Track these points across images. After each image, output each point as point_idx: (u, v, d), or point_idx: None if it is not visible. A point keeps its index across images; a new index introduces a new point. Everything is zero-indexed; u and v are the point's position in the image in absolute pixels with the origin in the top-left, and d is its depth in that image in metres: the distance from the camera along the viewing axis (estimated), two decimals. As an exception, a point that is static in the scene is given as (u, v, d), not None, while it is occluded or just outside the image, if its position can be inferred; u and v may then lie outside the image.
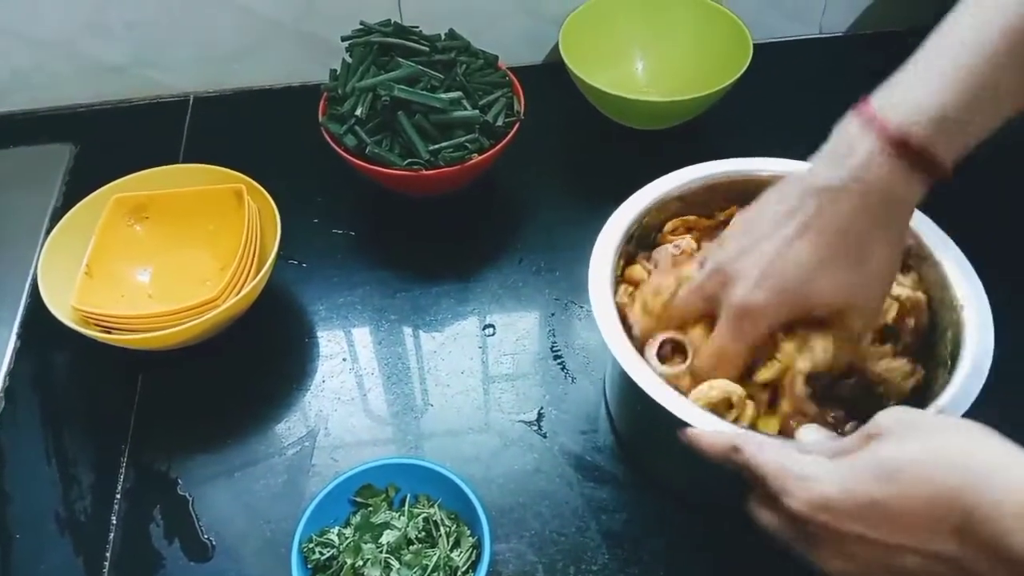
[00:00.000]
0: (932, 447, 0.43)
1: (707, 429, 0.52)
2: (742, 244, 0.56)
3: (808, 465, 0.45)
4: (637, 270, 0.67)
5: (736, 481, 0.56)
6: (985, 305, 0.61)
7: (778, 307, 0.55)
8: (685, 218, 0.70)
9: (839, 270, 0.54)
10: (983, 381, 0.56)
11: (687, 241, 0.68)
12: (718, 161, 0.71)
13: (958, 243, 0.64)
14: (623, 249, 0.67)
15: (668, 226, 0.70)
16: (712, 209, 0.71)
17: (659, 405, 0.56)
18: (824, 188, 0.53)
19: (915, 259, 0.66)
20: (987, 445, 0.42)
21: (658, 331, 0.61)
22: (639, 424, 0.70)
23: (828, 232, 0.53)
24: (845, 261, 0.54)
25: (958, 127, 0.50)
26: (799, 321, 0.57)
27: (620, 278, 0.67)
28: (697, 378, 0.58)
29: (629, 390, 0.61)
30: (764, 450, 0.48)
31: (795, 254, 0.54)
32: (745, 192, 0.70)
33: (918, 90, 0.51)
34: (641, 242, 0.70)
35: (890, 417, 0.45)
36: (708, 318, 0.59)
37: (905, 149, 0.50)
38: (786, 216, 0.55)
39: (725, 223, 0.66)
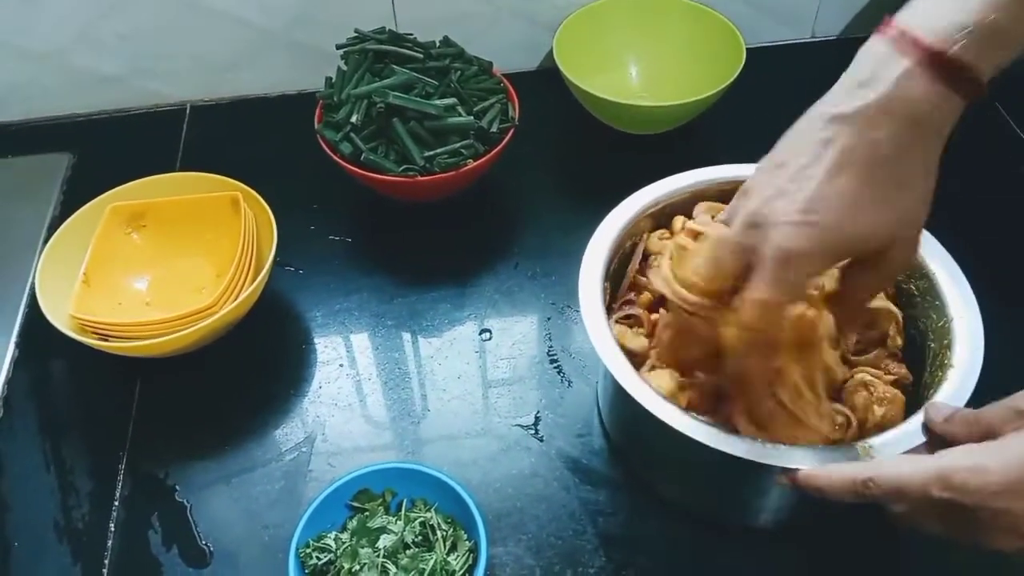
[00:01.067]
0: None
1: (820, 469, 0.51)
2: (776, 185, 0.51)
3: (972, 455, 0.45)
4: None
5: (721, 490, 0.56)
6: (976, 314, 0.61)
7: (823, 251, 0.50)
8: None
9: (884, 202, 0.50)
10: (971, 391, 0.57)
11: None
12: (704, 169, 0.72)
13: (949, 250, 0.65)
14: (614, 257, 0.67)
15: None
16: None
17: (651, 415, 0.56)
18: (858, 114, 0.48)
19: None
20: None
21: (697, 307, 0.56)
22: (631, 432, 0.70)
23: (869, 161, 0.49)
24: (889, 191, 0.50)
25: (996, 39, 0.47)
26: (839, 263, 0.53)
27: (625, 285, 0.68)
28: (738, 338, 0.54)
29: (621, 399, 0.61)
30: (903, 467, 0.47)
31: (837, 190, 0.49)
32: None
33: (949, 4, 0.47)
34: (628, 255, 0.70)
35: None
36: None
37: (942, 67, 0.47)
38: (820, 146, 0.50)
39: None
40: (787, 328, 0.54)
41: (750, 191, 0.53)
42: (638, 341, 0.65)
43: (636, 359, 0.63)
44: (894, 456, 0.53)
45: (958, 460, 0.45)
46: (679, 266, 0.56)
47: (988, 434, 0.47)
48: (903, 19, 0.48)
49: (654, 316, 0.66)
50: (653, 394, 0.58)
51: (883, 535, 0.65)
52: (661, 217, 0.71)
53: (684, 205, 0.71)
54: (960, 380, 0.57)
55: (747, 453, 0.54)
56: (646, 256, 0.70)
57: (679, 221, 0.69)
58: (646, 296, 0.68)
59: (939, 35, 0.46)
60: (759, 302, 0.51)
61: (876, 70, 0.48)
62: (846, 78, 0.50)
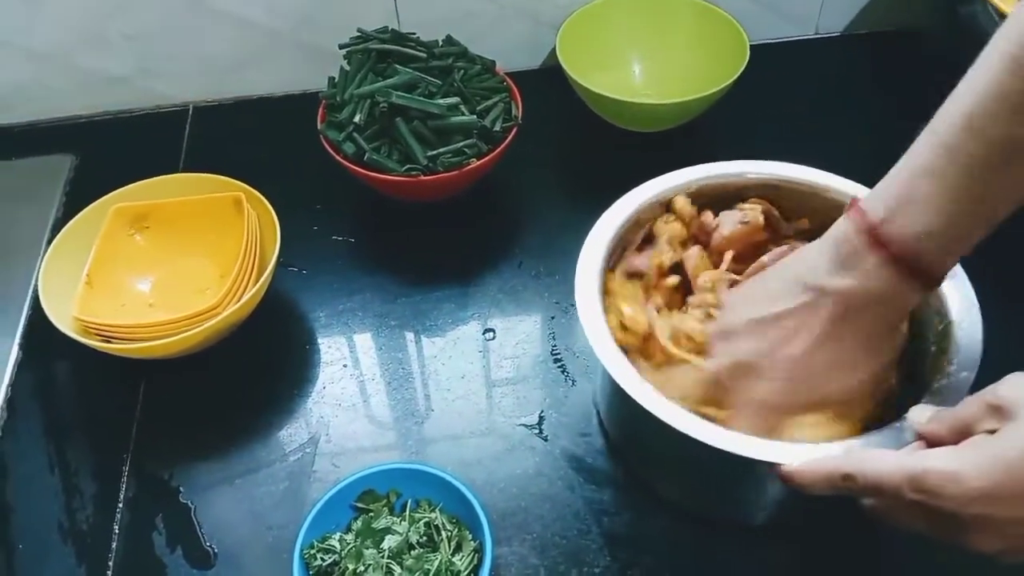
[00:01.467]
0: None
1: (802, 461, 0.52)
2: (764, 342, 0.59)
3: (949, 460, 0.45)
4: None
5: (719, 487, 0.56)
6: (976, 315, 0.60)
7: (797, 404, 0.59)
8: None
9: (857, 370, 0.59)
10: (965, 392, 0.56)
11: (754, 213, 0.68)
12: (700, 166, 0.71)
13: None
14: (612, 252, 0.68)
15: (665, 235, 0.70)
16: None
17: (648, 412, 0.56)
18: (839, 295, 0.56)
19: None
20: None
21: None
22: (628, 429, 0.70)
23: (848, 337, 0.57)
24: (863, 362, 0.58)
25: (958, 243, 0.53)
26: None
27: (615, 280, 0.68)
28: None
29: (617, 396, 0.61)
30: (882, 463, 0.47)
31: (819, 361, 0.58)
32: (731, 195, 0.71)
33: (920, 210, 0.52)
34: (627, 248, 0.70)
35: (1016, 388, 0.45)
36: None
37: (911, 268, 0.53)
38: (805, 314, 0.57)
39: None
40: None
41: (733, 334, 0.61)
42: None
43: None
44: (877, 450, 0.53)
45: (933, 463, 0.45)
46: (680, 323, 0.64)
47: (966, 432, 0.47)
48: (873, 211, 0.54)
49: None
50: (650, 391, 0.58)
51: (885, 534, 0.65)
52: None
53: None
54: (958, 381, 0.57)
55: (741, 449, 0.54)
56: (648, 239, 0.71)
57: (680, 201, 0.70)
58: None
59: (906, 241, 0.52)
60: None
61: (853, 258, 0.55)
62: (825, 250, 0.57)
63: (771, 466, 0.53)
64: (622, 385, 0.58)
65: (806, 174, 0.70)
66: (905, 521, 0.48)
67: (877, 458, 0.48)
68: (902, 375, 0.62)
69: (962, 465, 0.44)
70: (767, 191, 0.70)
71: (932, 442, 0.49)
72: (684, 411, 0.57)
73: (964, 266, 0.62)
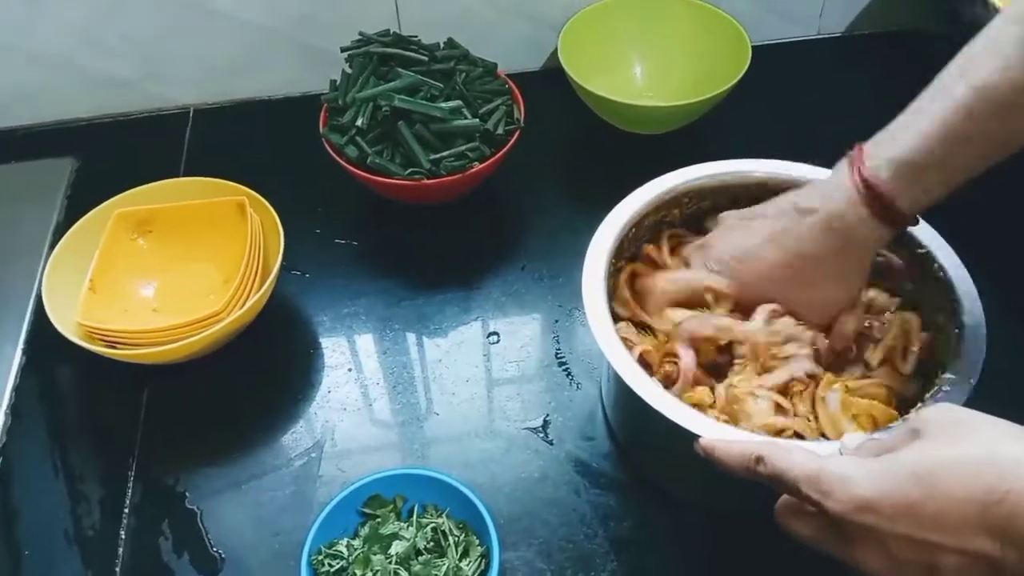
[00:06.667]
0: (970, 447, 0.43)
1: (723, 439, 0.52)
2: (738, 232, 0.67)
3: (846, 465, 0.45)
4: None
5: (729, 485, 0.55)
6: (978, 309, 0.61)
7: (757, 292, 0.66)
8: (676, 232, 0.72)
9: (787, 286, 0.64)
10: (970, 387, 0.57)
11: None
12: (701, 165, 0.72)
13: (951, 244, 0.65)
14: (617, 254, 0.68)
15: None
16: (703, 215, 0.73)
17: (656, 411, 0.56)
18: (801, 209, 0.62)
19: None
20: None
21: None
22: (636, 429, 0.70)
23: (785, 250, 0.63)
24: (792, 281, 0.63)
25: (925, 178, 0.56)
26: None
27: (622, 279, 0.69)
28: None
29: (625, 395, 0.61)
30: (794, 455, 0.47)
31: (757, 262, 0.64)
32: (737, 194, 0.71)
33: (895, 140, 0.57)
34: (635, 244, 0.71)
35: (935, 412, 0.45)
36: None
37: (871, 194, 0.58)
38: (766, 220, 0.64)
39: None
40: None
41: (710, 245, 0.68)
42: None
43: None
44: (796, 445, 0.53)
45: (830, 465, 0.45)
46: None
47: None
48: (870, 142, 0.59)
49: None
50: (659, 389, 0.58)
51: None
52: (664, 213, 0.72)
53: (683, 201, 0.72)
54: (958, 387, 0.57)
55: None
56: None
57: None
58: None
59: (873, 165, 0.57)
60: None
61: (839, 180, 0.60)
62: (818, 184, 0.63)
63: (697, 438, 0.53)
64: (629, 383, 0.58)
65: (809, 172, 0.70)
66: (799, 527, 0.48)
67: (789, 450, 0.48)
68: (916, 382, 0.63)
69: (855, 471, 0.44)
70: (767, 191, 0.70)
71: None
72: (690, 409, 0.57)
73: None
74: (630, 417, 0.70)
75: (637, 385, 0.58)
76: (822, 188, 0.61)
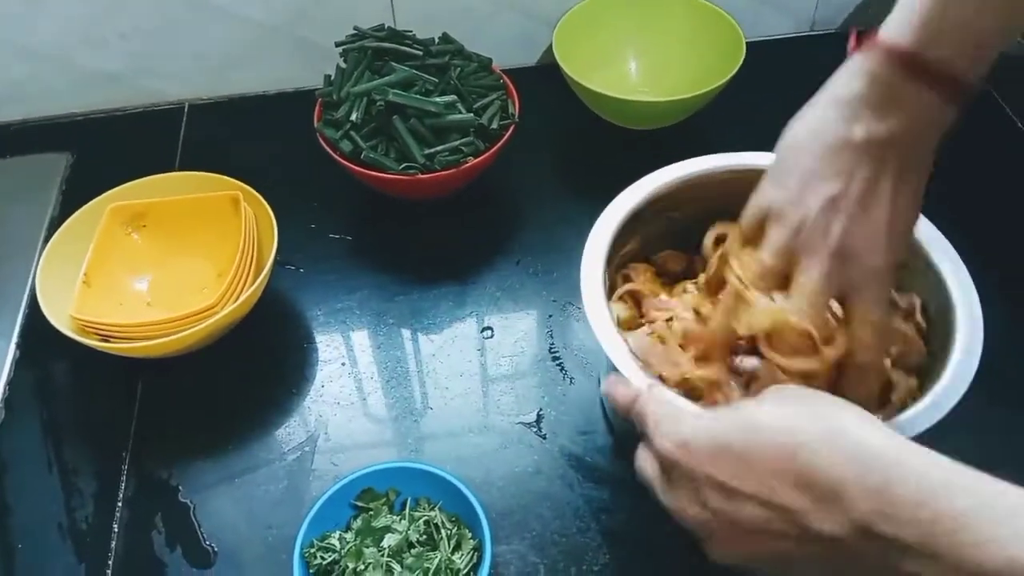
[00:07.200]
0: (797, 407, 0.44)
1: (623, 378, 0.54)
2: (842, 217, 0.52)
3: (684, 413, 0.48)
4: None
5: None
6: (975, 304, 0.61)
7: (899, 265, 0.55)
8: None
9: (910, 212, 0.54)
10: (967, 385, 0.57)
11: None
12: (700, 158, 0.71)
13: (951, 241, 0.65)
14: (615, 249, 0.67)
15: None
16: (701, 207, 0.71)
17: None
18: (899, 134, 0.51)
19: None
20: (853, 418, 0.43)
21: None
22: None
23: (913, 184, 0.53)
24: (913, 204, 0.54)
25: (987, 55, 0.50)
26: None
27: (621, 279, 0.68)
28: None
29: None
30: (654, 397, 0.51)
31: (902, 211, 0.53)
32: (731, 188, 0.69)
33: (952, 29, 0.49)
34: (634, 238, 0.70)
35: (779, 387, 0.48)
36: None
37: (953, 89, 0.50)
38: (872, 170, 0.52)
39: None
40: None
41: (785, 216, 0.54)
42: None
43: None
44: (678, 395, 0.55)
45: (674, 409, 0.49)
46: (740, 316, 0.56)
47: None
48: (901, 40, 0.50)
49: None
50: (654, 381, 0.57)
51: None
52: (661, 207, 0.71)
53: (680, 195, 0.70)
54: (955, 374, 0.57)
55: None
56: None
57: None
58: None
59: (947, 62, 0.49)
60: (878, 323, 0.54)
61: (893, 94, 0.50)
62: (857, 100, 0.51)
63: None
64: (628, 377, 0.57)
65: None
66: (643, 466, 0.50)
67: (664, 394, 0.52)
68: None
69: (687, 419, 0.47)
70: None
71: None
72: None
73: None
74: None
75: (635, 379, 0.57)
76: (874, 103, 0.51)
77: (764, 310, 0.54)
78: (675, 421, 0.47)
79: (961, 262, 0.63)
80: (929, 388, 0.57)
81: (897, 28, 0.50)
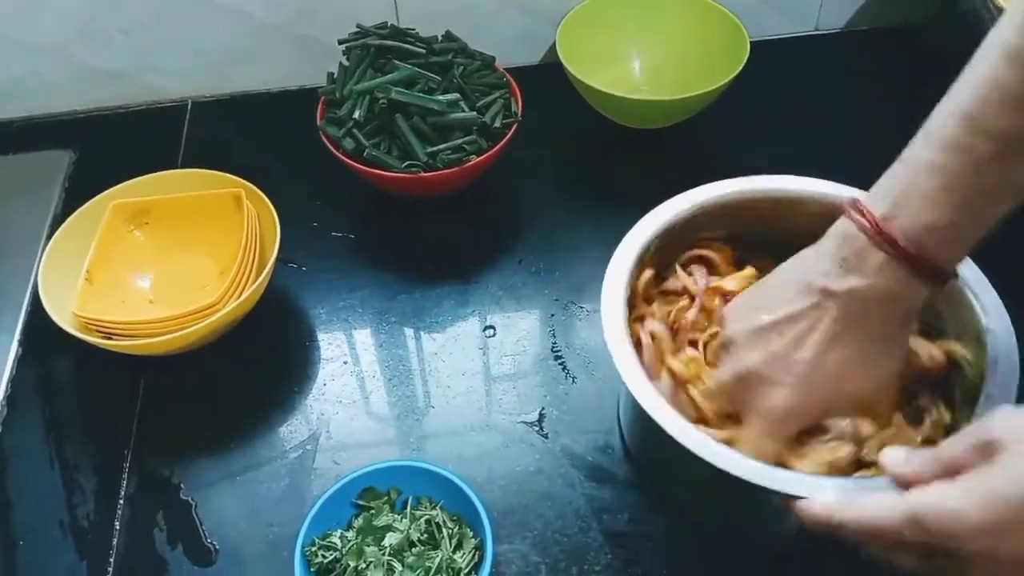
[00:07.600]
0: None
1: (805, 500, 0.51)
2: (773, 347, 0.57)
3: (946, 497, 0.43)
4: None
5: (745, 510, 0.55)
6: (1009, 330, 0.59)
7: (813, 410, 0.58)
8: (700, 252, 0.69)
9: (870, 369, 0.57)
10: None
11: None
12: (740, 179, 0.69)
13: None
14: (639, 270, 0.66)
15: (682, 258, 0.69)
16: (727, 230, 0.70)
17: (678, 443, 0.55)
18: (847, 296, 0.55)
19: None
20: None
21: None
22: (653, 451, 0.69)
23: (858, 339, 0.56)
24: (874, 362, 0.57)
25: (963, 237, 0.52)
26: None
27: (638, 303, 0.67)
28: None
29: (642, 418, 0.58)
30: (880, 507, 0.46)
31: (831, 362, 0.56)
32: (765, 211, 0.68)
33: (925, 205, 0.51)
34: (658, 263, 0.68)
35: (1006, 424, 0.44)
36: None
37: (920, 264, 0.52)
38: (813, 316, 0.56)
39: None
40: None
41: (735, 344, 0.60)
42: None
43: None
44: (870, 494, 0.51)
45: (932, 502, 0.44)
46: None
47: (951, 471, 0.45)
48: (876, 208, 0.53)
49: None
50: (675, 416, 0.56)
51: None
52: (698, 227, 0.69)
53: (715, 215, 0.69)
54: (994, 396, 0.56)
55: (768, 481, 0.53)
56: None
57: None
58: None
59: (913, 236, 0.52)
60: (756, 449, 0.58)
61: (858, 257, 0.54)
62: (828, 251, 0.56)
63: (781, 496, 0.52)
64: (644, 406, 0.56)
65: (839, 190, 0.66)
66: (900, 559, 0.47)
67: (865, 504, 0.47)
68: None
69: (963, 502, 0.43)
70: (800, 208, 0.68)
71: (912, 482, 0.47)
72: (703, 434, 0.55)
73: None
74: (646, 437, 0.69)
75: (654, 411, 0.56)
76: (846, 263, 0.55)
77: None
78: (956, 514, 0.43)
79: (993, 291, 0.61)
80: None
81: (876, 193, 0.54)
